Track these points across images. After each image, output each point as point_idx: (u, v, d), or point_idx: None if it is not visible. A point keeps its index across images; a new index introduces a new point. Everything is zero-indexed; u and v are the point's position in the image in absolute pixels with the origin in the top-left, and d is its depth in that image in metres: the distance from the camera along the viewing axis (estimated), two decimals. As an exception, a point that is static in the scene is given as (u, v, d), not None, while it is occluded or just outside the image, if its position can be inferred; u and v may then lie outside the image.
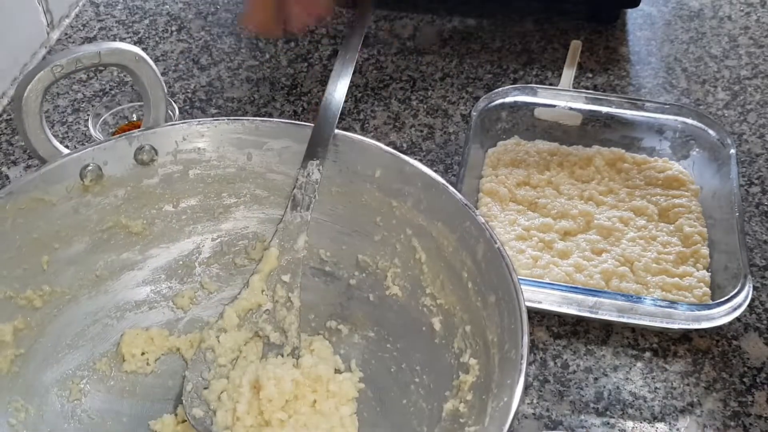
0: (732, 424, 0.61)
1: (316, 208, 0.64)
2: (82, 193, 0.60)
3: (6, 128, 0.84)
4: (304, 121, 0.64)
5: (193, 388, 0.59)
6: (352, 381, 0.60)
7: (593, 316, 0.64)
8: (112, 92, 0.88)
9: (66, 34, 0.96)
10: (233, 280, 0.66)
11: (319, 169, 0.62)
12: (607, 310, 0.64)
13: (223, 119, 0.64)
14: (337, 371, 0.61)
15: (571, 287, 0.65)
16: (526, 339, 0.50)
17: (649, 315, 0.63)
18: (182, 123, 0.63)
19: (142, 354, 0.62)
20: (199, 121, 0.63)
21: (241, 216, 0.66)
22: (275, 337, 0.62)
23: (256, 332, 0.62)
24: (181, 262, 0.66)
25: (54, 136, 0.82)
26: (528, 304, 0.63)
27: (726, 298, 0.63)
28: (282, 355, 0.61)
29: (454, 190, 0.59)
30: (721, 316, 0.63)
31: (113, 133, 0.76)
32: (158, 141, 0.62)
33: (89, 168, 0.60)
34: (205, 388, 0.59)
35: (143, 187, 0.63)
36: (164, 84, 0.62)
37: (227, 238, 0.66)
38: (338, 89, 0.64)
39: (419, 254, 0.61)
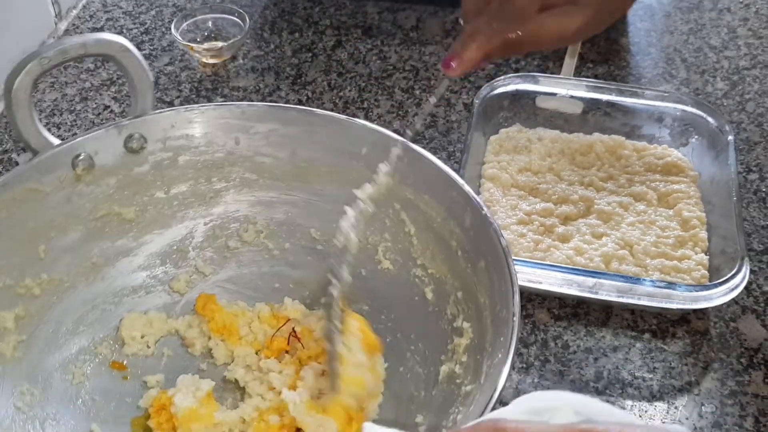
0: (729, 402, 0.63)
1: (305, 188, 0.66)
2: (75, 182, 0.61)
3: None
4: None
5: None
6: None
7: (593, 296, 0.65)
8: (120, 81, 0.90)
9: (73, 24, 0.97)
10: (227, 263, 0.68)
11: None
12: (607, 291, 0.65)
13: (210, 105, 0.65)
14: None
15: (572, 268, 0.66)
16: (516, 298, 0.52)
17: (648, 296, 0.64)
18: (170, 110, 0.64)
19: (142, 337, 0.63)
20: (187, 108, 0.64)
21: (232, 200, 0.67)
22: None
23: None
24: (174, 247, 0.67)
25: (62, 124, 0.85)
26: (529, 284, 0.65)
27: (724, 279, 0.64)
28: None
29: (439, 161, 0.61)
30: (718, 296, 0.64)
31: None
32: (147, 129, 0.63)
33: (81, 158, 0.61)
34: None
35: (134, 175, 0.64)
36: (150, 73, 0.63)
37: (219, 221, 0.67)
38: None
39: (408, 227, 0.63)
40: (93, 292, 0.63)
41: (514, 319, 0.51)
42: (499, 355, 0.50)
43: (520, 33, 0.53)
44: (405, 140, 0.61)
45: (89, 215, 0.62)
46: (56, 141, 0.61)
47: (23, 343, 0.58)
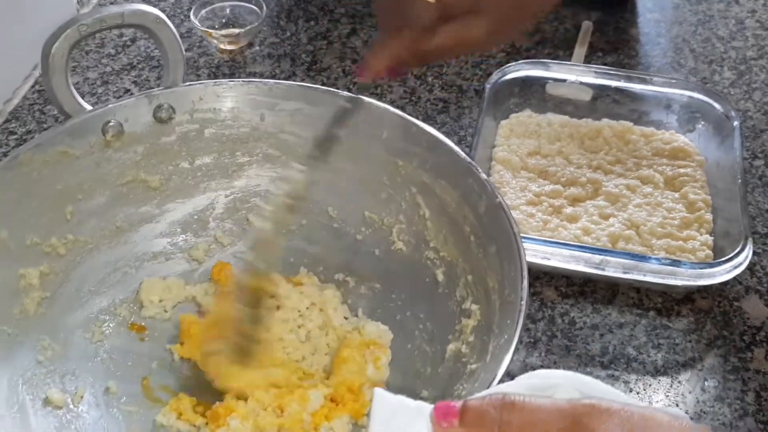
0: (732, 377, 0.64)
1: (324, 167, 0.67)
2: (104, 148, 0.64)
3: (38, 98, 0.88)
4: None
5: None
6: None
7: (600, 273, 0.67)
8: (140, 66, 0.92)
9: (94, 11, 0.99)
10: (246, 235, 0.70)
11: None
12: (614, 268, 0.66)
13: (238, 81, 0.68)
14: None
15: (579, 246, 0.67)
16: (525, 283, 0.54)
17: (653, 273, 0.66)
18: (199, 83, 0.67)
19: (160, 301, 0.66)
20: (216, 82, 0.67)
21: (254, 174, 0.70)
22: None
23: None
24: (196, 217, 0.69)
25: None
26: (537, 260, 0.67)
27: (728, 257, 0.66)
28: None
29: (457, 148, 0.62)
30: (722, 274, 0.65)
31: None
32: (176, 100, 0.66)
33: (111, 124, 0.64)
34: None
35: (161, 144, 0.67)
36: (183, 46, 0.66)
37: (240, 195, 0.70)
38: None
39: (423, 211, 0.65)
40: (115, 255, 0.66)
41: (522, 303, 0.52)
42: (506, 337, 0.52)
43: (423, 42, 0.55)
44: (424, 124, 0.63)
45: (116, 181, 0.65)
46: (89, 107, 0.64)
47: (47, 299, 0.61)
